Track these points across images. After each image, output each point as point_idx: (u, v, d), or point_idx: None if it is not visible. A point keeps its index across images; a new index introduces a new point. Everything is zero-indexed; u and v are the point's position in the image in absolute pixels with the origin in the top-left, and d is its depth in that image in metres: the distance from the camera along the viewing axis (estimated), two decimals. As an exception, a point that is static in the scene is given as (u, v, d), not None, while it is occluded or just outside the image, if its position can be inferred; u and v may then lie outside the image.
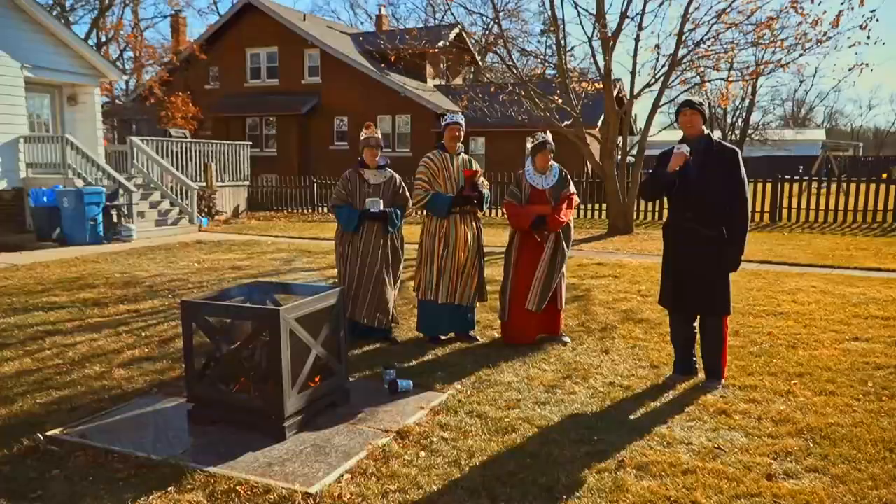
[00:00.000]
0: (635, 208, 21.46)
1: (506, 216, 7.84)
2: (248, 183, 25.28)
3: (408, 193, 7.88)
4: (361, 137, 7.74)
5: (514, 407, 5.83)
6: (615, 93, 22.73)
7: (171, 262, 13.94)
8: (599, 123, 23.58)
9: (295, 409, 5.32)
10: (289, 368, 5.17)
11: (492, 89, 21.37)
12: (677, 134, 6.68)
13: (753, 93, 61.75)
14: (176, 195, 20.78)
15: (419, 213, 8.31)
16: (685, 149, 6.02)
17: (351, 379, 6.52)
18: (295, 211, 26.54)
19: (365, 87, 33.14)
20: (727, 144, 6.14)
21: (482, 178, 7.81)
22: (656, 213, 22.50)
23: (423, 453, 4.97)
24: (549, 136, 7.68)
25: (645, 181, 6.43)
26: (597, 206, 23.42)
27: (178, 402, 6.00)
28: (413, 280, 7.86)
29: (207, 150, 23.55)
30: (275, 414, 5.22)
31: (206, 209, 22.76)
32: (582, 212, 23.16)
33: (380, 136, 7.73)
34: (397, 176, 7.87)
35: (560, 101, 18.65)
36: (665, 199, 6.41)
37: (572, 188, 7.65)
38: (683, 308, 6.34)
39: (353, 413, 5.74)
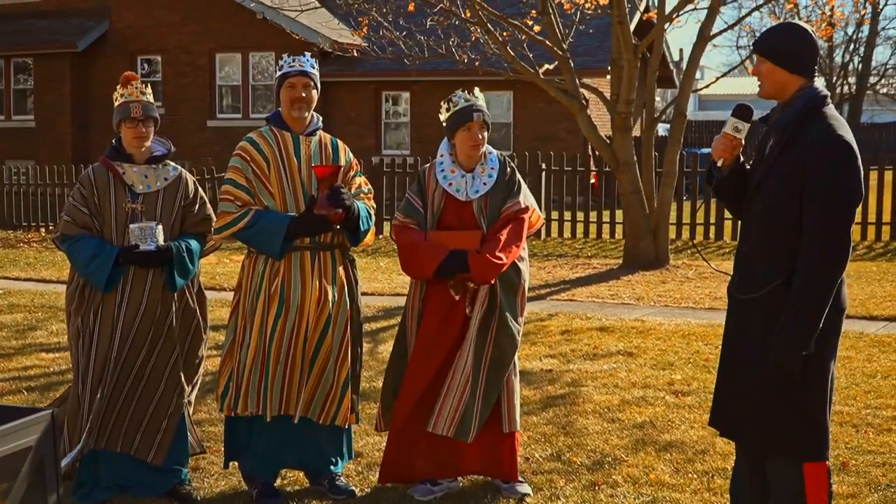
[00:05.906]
0: (672, 219, 12.30)
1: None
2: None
3: (210, 210, 4.25)
4: (116, 102, 4.08)
5: None
6: (637, 15, 14.51)
7: None
8: (610, 69, 13.22)
9: None
10: None
11: (410, 7, 12.55)
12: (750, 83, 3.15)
13: (875, 15, 34.96)
14: None
15: (231, 243, 4.76)
16: (733, 126, 3.22)
17: None
18: (60, 229, 15.69)
19: (191, 3, 21.01)
20: (831, 120, 3.08)
21: (359, 177, 4.22)
22: (712, 228, 13.25)
23: None
24: (481, 98, 4.12)
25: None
26: (605, 214, 13.84)
27: None
28: (219, 375, 4.17)
29: None
30: None
31: None
32: (577, 227, 13.98)
33: (150, 97, 4.08)
34: (188, 175, 4.23)
35: (536, 28, 11.63)
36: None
37: (524, 198, 4.12)
38: (731, 432, 3.42)
39: None
